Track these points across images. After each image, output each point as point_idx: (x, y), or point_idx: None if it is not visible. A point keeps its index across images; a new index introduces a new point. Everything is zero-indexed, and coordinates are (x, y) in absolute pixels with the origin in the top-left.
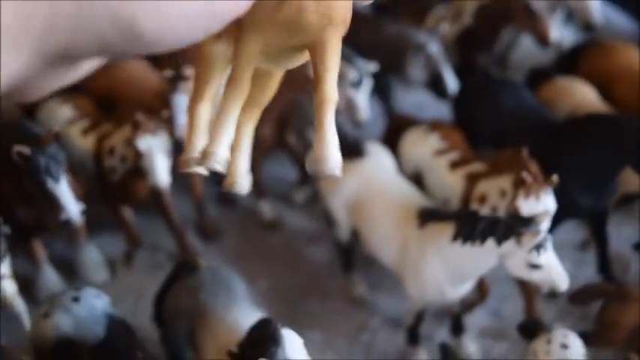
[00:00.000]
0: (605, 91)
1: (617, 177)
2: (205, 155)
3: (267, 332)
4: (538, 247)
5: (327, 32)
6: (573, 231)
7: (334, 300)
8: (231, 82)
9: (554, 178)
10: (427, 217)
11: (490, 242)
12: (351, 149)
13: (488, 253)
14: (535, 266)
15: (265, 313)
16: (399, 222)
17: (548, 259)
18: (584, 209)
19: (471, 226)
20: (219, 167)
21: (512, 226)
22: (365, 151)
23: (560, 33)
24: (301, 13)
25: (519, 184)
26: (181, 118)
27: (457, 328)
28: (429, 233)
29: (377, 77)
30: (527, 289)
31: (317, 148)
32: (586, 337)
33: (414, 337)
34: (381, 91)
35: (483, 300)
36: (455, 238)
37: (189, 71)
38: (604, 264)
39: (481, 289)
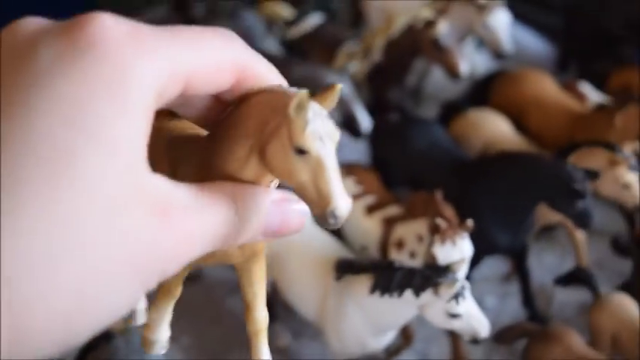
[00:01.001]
0: (518, 121)
1: (532, 213)
2: (149, 344)
3: None
4: (457, 296)
5: (252, 263)
6: (496, 264)
7: None
8: (165, 291)
9: (469, 222)
10: (344, 269)
11: (408, 294)
12: None
13: (407, 305)
14: (454, 315)
15: None
16: (316, 275)
17: (468, 307)
18: (502, 247)
19: (388, 278)
20: (164, 351)
21: (429, 277)
22: None
23: (472, 62)
24: (228, 257)
25: (434, 231)
26: None
27: None
28: (346, 286)
29: None
30: (453, 331)
31: None
32: None
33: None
34: None
35: (408, 344)
36: (372, 290)
37: None
38: (527, 298)
39: (405, 334)
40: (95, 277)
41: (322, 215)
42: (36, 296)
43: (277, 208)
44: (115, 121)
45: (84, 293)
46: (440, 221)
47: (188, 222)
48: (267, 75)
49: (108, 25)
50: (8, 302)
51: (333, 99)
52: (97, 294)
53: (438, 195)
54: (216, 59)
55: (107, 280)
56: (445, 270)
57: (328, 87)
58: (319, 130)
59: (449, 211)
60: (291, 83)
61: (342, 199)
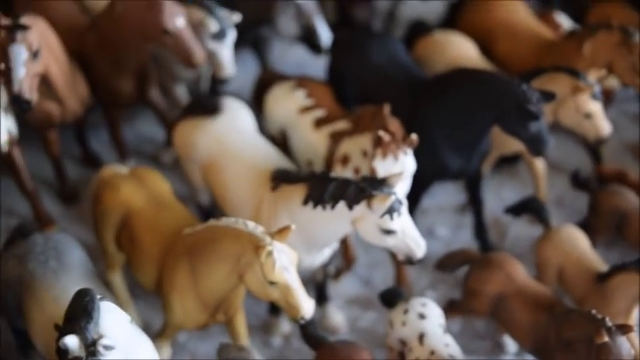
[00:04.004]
0: (486, 46)
1: (486, 137)
2: None
3: (80, 306)
4: (391, 212)
5: (235, 318)
6: (452, 194)
7: None
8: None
9: (414, 137)
10: (280, 179)
11: (341, 206)
12: (206, 106)
13: (340, 218)
14: (388, 232)
15: (98, 282)
16: (252, 185)
17: (403, 224)
18: (453, 171)
19: (322, 188)
20: None
21: (363, 189)
22: (220, 108)
23: None
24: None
25: (377, 144)
26: (20, 72)
27: (321, 297)
28: (280, 196)
29: (248, 30)
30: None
31: None
32: (453, 306)
33: (275, 307)
34: (255, 46)
35: (349, 268)
36: (305, 201)
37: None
38: (479, 229)
39: (346, 257)
40: None
41: (294, 319)
42: None
43: None
44: None
45: None
46: (383, 134)
47: None
48: None
49: None
50: None
51: (288, 235)
52: None
53: (386, 108)
54: None
55: None
56: (380, 183)
57: (284, 228)
58: (284, 264)
59: (394, 124)
60: None
61: (307, 307)
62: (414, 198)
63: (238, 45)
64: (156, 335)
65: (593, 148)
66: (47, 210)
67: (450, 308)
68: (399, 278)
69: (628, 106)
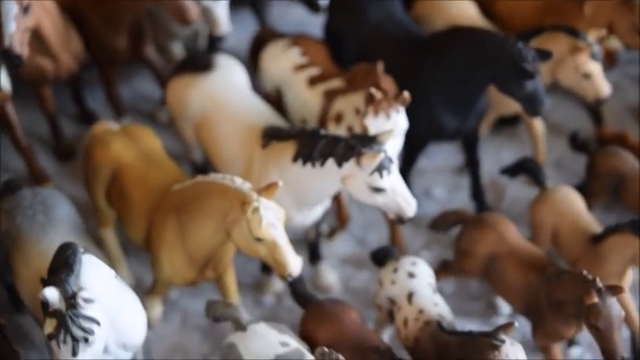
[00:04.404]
0: (487, 6)
1: (483, 96)
2: None
3: (61, 259)
4: (380, 170)
5: (224, 275)
6: (451, 155)
7: None
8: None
9: (406, 94)
10: (270, 136)
11: (331, 163)
12: (199, 62)
13: (329, 176)
14: (378, 189)
15: (86, 237)
16: (243, 142)
17: (393, 182)
18: (449, 130)
19: (311, 146)
20: None
21: (352, 146)
22: (213, 65)
23: None
24: (206, 277)
25: (369, 101)
26: (10, 26)
27: (314, 256)
28: (271, 153)
29: None
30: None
31: None
32: (446, 266)
33: (266, 266)
34: (254, 4)
35: (343, 227)
36: (295, 158)
37: None
38: (476, 190)
39: (340, 216)
40: None
41: (282, 276)
42: None
43: None
44: None
45: None
46: (375, 91)
47: None
48: None
49: None
50: None
51: (275, 192)
52: None
53: (379, 66)
54: None
55: None
56: (370, 140)
57: (271, 184)
58: (271, 220)
59: (387, 82)
60: None
61: (295, 264)
62: (410, 158)
63: (236, 3)
64: (146, 292)
65: (594, 109)
66: (42, 167)
67: (443, 268)
68: (394, 238)
69: (631, 68)
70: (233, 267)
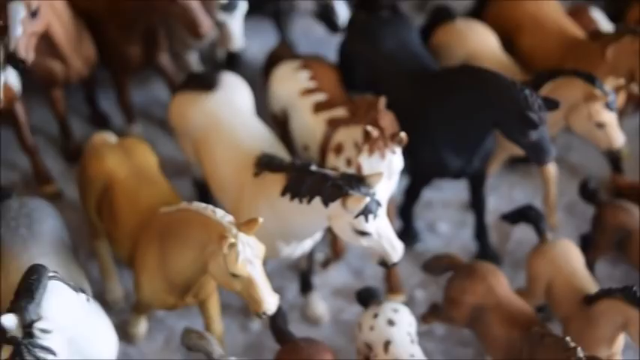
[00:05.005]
0: (510, 40)
1: (488, 138)
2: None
3: (26, 284)
4: (366, 213)
5: (207, 301)
6: (460, 189)
7: None
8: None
9: (403, 135)
10: (263, 165)
11: (317, 201)
12: (203, 80)
13: (316, 213)
14: (362, 233)
15: (68, 254)
16: (237, 167)
17: (379, 227)
18: (452, 169)
19: (300, 181)
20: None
21: (339, 187)
22: (217, 84)
23: None
24: (186, 303)
25: (365, 139)
26: (16, 30)
27: (305, 286)
28: (262, 183)
29: (267, 2)
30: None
31: None
32: (435, 311)
33: None
34: (276, 18)
35: (338, 258)
36: (283, 192)
37: None
38: (480, 230)
39: (335, 247)
40: None
41: (256, 313)
42: None
43: None
44: None
45: None
46: (371, 129)
47: None
48: None
49: None
50: None
51: (255, 228)
52: None
53: (381, 101)
54: None
55: None
56: (359, 182)
57: (251, 220)
58: (248, 257)
59: (387, 119)
60: None
61: (270, 303)
62: (413, 193)
63: (258, 15)
64: (131, 308)
65: (610, 156)
66: (48, 168)
67: (432, 313)
68: (389, 274)
69: None
70: (218, 292)
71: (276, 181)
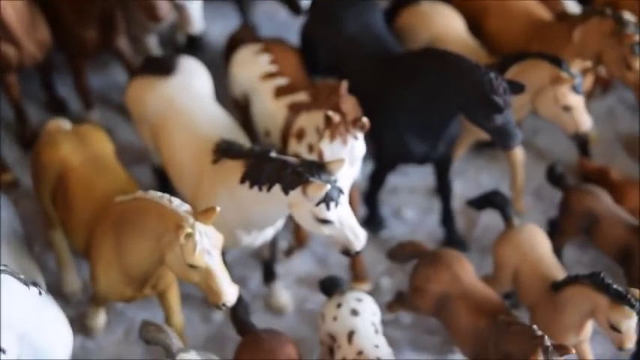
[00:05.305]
0: (476, 23)
1: (453, 122)
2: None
3: None
4: (327, 201)
5: (167, 292)
6: (426, 174)
7: None
8: None
9: (365, 120)
10: (222, 152)
11: (277, 189)
12: (160, 64)
13: (276, 201)
14: (323, 221)
15: (22, 246)
16: (195, 154)
17: (341, 215)
18: (416, 155)
19: (259, 169)
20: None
21: (300, 174)
22: (175, 68)
23: None
24: (145, 295)
25: (327, 124)
26: None
27: (268, 275)
28: (221, 170)
29: None
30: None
31: None
32: (400, 299)
33: None
34: (237, 2)
35: (301, 246)
36: (242, 180)
37: None
38: (446, 217)
39: (297, 235)
40: None
41: (216, 305)
42: None
43: None
44: None
45: None
46: (332, 114)
47: None
48: None
49: None
50: None
51: (213, 218)
52: None
53: (343, 85)
54: None
55: None
56: (319, 169)
57: (208, 209)
58: (206, 247)
59: (349, 104)
60: None
61: (229, 294)
62: (378, 179)
63: None
64: (89, 300)
65: (578, 140)
66: (4, 155)
67: (398, 301)
68: (354, 262)
69: (626, 94)
70: (178, 283)
71: (235, 168)
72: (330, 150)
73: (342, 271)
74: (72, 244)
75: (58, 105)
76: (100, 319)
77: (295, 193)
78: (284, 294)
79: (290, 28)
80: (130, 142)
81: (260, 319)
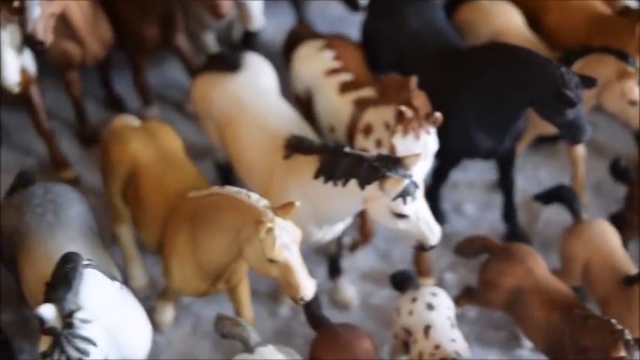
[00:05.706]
0: (535, 17)
1: (520, 117)
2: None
3: (61, 273)
4: (404, 195)
5: (238, 287)
6: (486, 169)
7: None
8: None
9: (438, 115)
10: (294, 147)
11: (353, 184)
12: (226, 61)
13: (351, 196)
14: (400, 215)
15: (97, 241)
16: (265, 150)
17: (417, 209)
18: (483, 150)
19: (335, 164)
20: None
21: (376, 169)
22: (241, 65)
23: None
24: (217, 289)
25: (399, 119)
26: (34, 11)
27: (333, 270)
28: (293, 166)
29: None
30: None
31: None
32: (469, 294)
33: None
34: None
35: (366, 241)
36: (316, 175)
37: None
38: (508, 211)
39: (363, 230)
40: None
41: (294, 299)
42: None
43: None
44: None
45: None
46: (405, 109)
47: None
48: None
49: None
50: None
51: (292, 212)
52: None
53: (413, 80)
54: None
55: None
56: (396, 163)
57: (287, 204)
58: (285, 242)
59: (420, 99)
60: None
61: (307, 288)
62: (441, 174)
63: None
64: (159, 295)
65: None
66: (64, 152)
67: (465, 296)
68: (418, 256)
69: None
70: (247, 277)
71: (308, 163)
72: (402, 145)
73: (405, 265)
74: (144, 240)
75: (115, 102)
76: (169, 313)
77: (372, 188)
78: (349, 289)
79: (343, 24)
80: (188, 139)
81: (326, 315)
